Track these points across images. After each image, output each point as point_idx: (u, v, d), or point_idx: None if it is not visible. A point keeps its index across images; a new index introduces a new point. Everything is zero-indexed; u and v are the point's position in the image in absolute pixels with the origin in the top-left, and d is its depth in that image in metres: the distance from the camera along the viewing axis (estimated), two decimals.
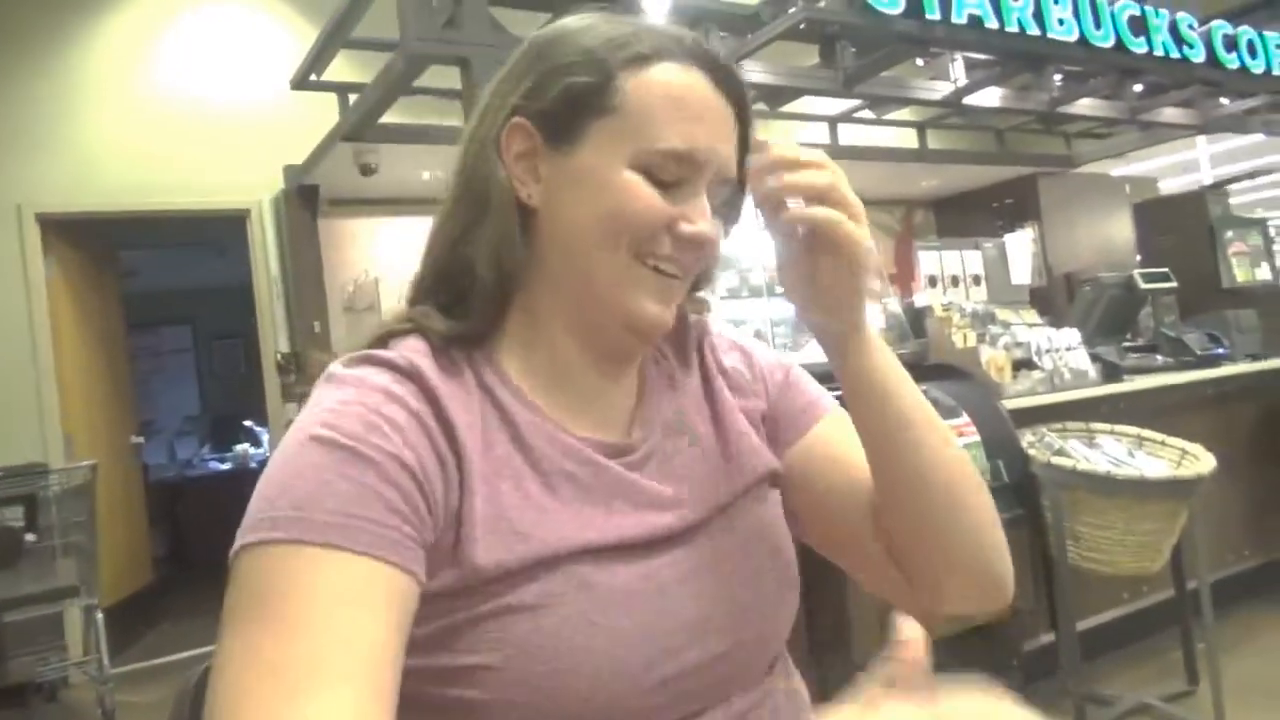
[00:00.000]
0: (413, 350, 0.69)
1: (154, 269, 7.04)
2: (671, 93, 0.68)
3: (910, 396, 0.72)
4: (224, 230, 4.81)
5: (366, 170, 4.13)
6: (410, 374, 0.66)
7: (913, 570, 0.76)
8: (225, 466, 7.19)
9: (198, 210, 4.51)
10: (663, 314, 0.71)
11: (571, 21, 0.73)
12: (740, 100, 0.72)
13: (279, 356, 4.41)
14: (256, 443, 6.95)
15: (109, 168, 4.29)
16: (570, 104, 0.68)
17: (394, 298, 4.01)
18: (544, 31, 0.73)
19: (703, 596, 0.70)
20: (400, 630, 0.59)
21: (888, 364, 0.72)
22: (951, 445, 0.74)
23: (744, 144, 0.73)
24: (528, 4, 3.25)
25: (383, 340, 0.71)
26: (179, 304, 8.17)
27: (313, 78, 3.92)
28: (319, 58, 3.78)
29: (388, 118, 3.63)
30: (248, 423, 7.13)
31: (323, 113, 4.13)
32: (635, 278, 0.69)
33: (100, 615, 3.44)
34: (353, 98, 3.86)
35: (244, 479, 6.37)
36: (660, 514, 0.71)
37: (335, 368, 0.68)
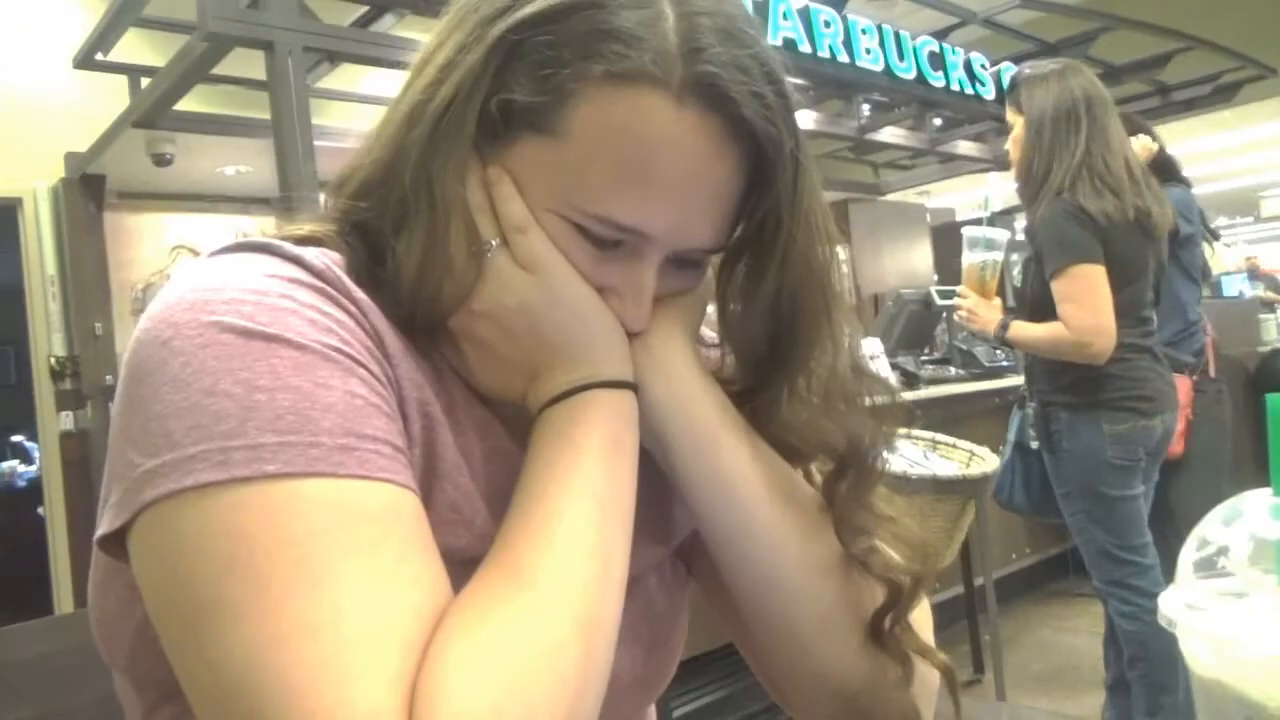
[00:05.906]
0: (331, 260, 0.50)
1: None
2: (633, 140, 0.48)
3: None
4: None
5: (160, 161, 3.82)
6: (329, 280, 0.47)
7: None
8: None
9: None
10: None
11: None
12: (760, 153, 0.51)
13: (53, 361, 3.98)
14: (27, 459, 6.25)
15: None
16: (504, 112, 0.50)
17: None
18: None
19: None
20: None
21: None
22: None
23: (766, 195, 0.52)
24: None
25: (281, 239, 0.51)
26: None
27: (99, 57, 3.59)
28: (106, 34, 3.47)
29: (185, 105, 3.36)
30: (16, 438, 6.40)
31: (111, 97, 3.79)
32: None
33: None
34: (145, 82, 3.56)
35: (9, 501, 5.69)
36: None
37: (202, 257, 0.49)
